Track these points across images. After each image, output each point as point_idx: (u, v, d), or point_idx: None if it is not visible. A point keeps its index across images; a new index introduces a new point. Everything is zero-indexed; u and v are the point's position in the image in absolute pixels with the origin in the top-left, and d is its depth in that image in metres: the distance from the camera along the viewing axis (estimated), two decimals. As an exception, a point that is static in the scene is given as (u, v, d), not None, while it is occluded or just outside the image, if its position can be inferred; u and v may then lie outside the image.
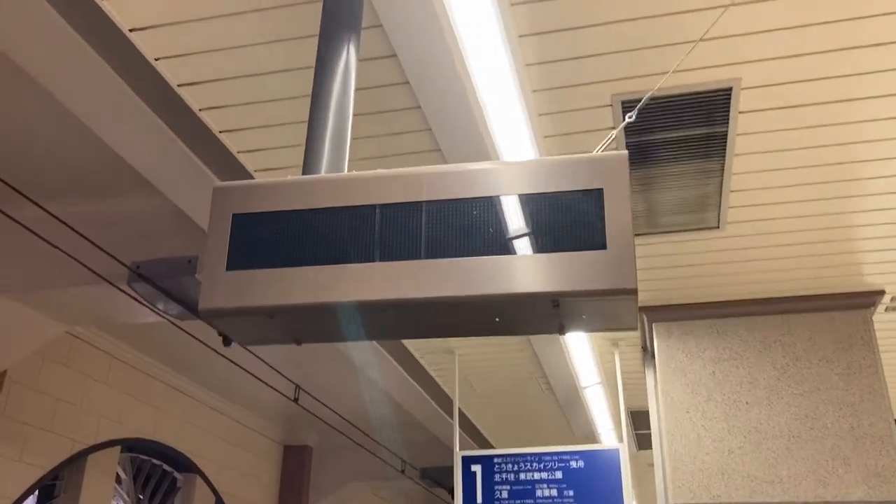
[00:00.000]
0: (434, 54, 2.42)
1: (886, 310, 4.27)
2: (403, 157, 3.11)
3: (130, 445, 5.48)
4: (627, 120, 1.96)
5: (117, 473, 5.45)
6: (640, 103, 2.02)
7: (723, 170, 3.11)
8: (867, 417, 3.89)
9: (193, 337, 4.68)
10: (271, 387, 5.58)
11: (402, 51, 2.46)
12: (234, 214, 1.94)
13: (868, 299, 4.10)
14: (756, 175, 3.17)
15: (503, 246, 1.85)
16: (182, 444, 5.92)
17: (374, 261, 1.86)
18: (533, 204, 1.86)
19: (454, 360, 5.48)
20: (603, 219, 1.81)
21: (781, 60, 2.55)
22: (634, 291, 1.74)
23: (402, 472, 7.24)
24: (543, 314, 1.84)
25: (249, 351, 5.26)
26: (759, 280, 4.06)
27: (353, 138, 2.25)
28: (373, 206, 1.91)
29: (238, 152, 3.10)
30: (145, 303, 4.02)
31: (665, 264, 3.95)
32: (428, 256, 1.85)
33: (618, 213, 1.82)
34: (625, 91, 2.70)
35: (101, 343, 5.17)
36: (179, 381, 5.90)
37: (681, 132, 2.93)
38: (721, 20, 2.37)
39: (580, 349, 5.02)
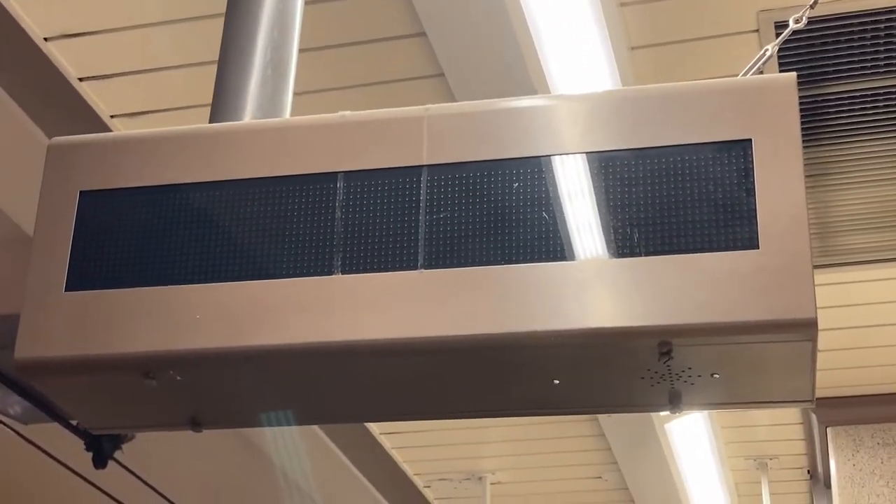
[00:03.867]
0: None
1: None
2: (381, 87, 3.32)
3: None
4: (794, 26, 2.01)
5: None
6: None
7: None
8: None
9: (47, 454, 4.58)
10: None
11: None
12: (81, 192, 1.97)
13: None
14: None
15: (568, 246, 1.82)
16: None
17: (332, 273, 1.84)
18: (625, 170, 1.86)
19: (483, 491, 5.65)
20: (753, 194, 1.79)
21: None
22: (812, 325, 1.72)
23: None
24: (642, 371, 1.80)
25: (140, 480, 5.16)
26: None
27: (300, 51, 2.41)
28: (332, 176, 1.91)
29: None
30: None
31: (845, 321, 4.25)
32: (430, 265, 1.83)
33: (780, 186, 1.80)
34: (779, 6, 2.91)
35: None
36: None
37: (869, 82, 3.09)
38: None
39: (700, 472, 5.13)
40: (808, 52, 3.05)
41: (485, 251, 1.79)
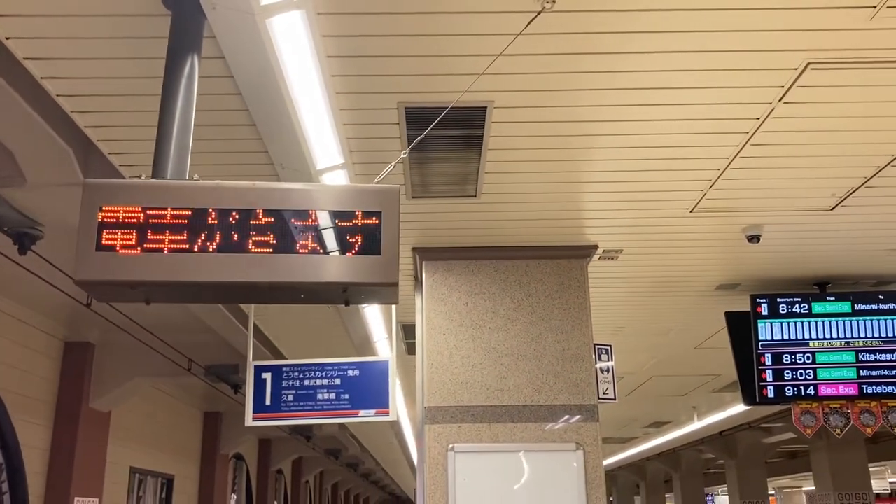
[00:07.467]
0: (263, 77, 2.96)
1: (599, 259, 5.46)
2: (240, 167, 3.64)
3: None
4: (403, 155, 2.70)
5: None
6: (413, 142, 2.68)
7: (479, 157, 3.96)
8: (574, 342, 4.97)
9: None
10: (65, 293, 5.54)
11: (239, 77, 2.95)
12: (101, 206, 2.35)
13: (586, 251, 5.17)
14: (504, 163, 4.06)
15: (311, 246, 2.38)
16: (-42, 343, 5.60)
17: (212, 252, 2.34)
18: (334, 217, 2.42)
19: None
20: (380, 233, 2.42)
21: (523, 92, 3.43)
22: (396, 284, 2.41)
23: (189, 369, 7.46)
24: (335, 294, 2.48)
25: (39, 255, 5.37)
26: (506, 234, 4.95)
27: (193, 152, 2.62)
28: (209, 210, 2.37)
29: (42, 78, 3.13)
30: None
31: (435, 219, 4.74)
32: (255, 251, 2.37)
33: (390, 230, 2.43)
34: (407, 101, 3.38)
35: None
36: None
37: (451, 131, 3.65)
38: (483, 60, 3.13)
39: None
40: (425, 117, 3.33)
41: (280, 246, 2.32)
